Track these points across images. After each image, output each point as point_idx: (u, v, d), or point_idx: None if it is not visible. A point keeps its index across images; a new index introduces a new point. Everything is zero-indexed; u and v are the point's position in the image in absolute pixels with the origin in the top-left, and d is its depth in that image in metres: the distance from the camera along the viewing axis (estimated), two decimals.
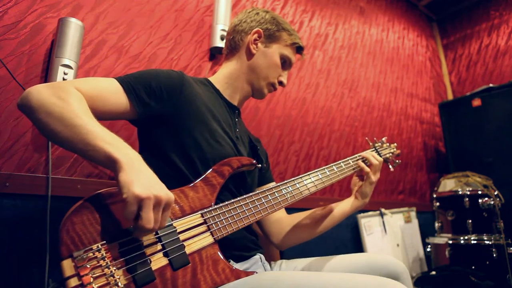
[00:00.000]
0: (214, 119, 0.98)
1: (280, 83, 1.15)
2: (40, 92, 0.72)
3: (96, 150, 0.66)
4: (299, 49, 1.18)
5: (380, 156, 1.26)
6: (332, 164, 1.10)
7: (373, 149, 1.27)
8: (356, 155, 1.17)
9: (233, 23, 1.16)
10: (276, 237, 1.14)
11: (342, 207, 1.13)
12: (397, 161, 1.33)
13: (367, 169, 1.11)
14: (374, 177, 1.11)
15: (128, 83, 0.86)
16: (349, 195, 1.17)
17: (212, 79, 1.13)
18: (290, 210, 1.17)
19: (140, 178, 0.64)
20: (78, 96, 0.75)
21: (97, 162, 0.69)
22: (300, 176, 1.02)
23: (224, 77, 1.12)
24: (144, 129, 0.96)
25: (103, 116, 0.82)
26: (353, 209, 1.13)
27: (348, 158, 1.14)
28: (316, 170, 1.07)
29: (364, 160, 1.16)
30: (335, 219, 1.12)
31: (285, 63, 1.15)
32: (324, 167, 1.08)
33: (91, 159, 0.69)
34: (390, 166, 1.32)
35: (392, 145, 1.35)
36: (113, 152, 0.65)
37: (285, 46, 1.13)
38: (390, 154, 1.32)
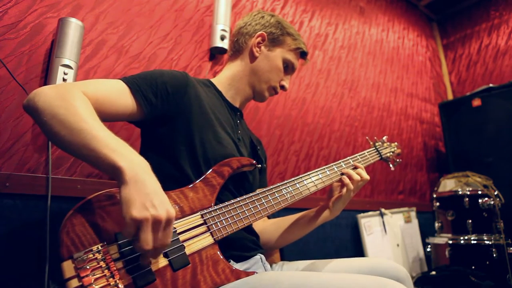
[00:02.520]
0: (217, 120, 0.98)
1: (282, 87, 1.15)
2: (46, 94, 0.71)
3: (99, 157, 0.64)
4: (303, 54, 1.18)
5: (381, 156, 1.26)
6: (332, 164, 1.10)
7: (373, 148, 1.27)
8: (356, 155, 1.17)
9: (238, 25, 1.17)
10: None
11: (314, 216, 1.11)
12: (397, 160, 1.33)
13: (351, 186, 1.04)
14: (351, 194, 1.05)
15: (135, 84, 0.86)
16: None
17: (214, 80, 1.13)
18: (290, 210, 1.17)
19: (140, 196, 0.61)
20: (84, 99, 0.73)
21: (101, 169, 0.67)
22: (300, 176, 1.02)
23: (226, 78, 1.13)
24: (148, 129, 0.96)
25: (110, 118, 0.82)
26: (322, 220, 1.09)
27: (348, 158, 1.14)
28: (316, 170, 1.06)
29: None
30: (307, 227, 1.10)
31: (288, 67, 1.15)
32: (324, 167, 1.08)
33: (95, 166, 0.68)
34: (391, 165, 1.32)
35: (392, 144, 1.35)
36: (117, 160, 0.63)
37: (288, 51, 1.13)
38: (391, 153, 1.32)
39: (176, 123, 0.91)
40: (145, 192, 0.62)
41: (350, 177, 1.05)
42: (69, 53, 1.15)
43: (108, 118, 0.81)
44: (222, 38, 1.61)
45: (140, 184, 0.62)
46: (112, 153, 0.64)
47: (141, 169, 0.65)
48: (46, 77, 1.16)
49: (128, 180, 0.62)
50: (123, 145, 0.68)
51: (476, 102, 2.54)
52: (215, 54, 1.66)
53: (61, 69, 1.13)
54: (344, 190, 1.05)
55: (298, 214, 1.14)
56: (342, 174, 1.08)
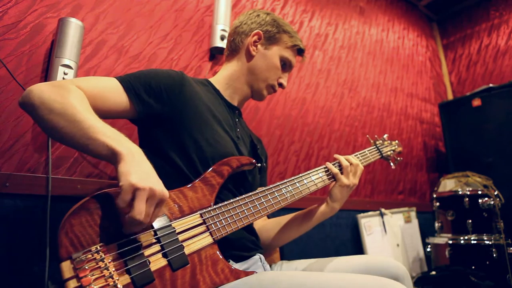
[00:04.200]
0: (214, 119, 0.98)
1: (280, 85, 1.15)
2: (41, 90, 0.73)
3: (98, 144, 0.68)
4: (300, 51, 1.17)
5: (381, 154, 1.26)
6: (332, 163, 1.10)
7: (374, 146, 1.26)
8: (357, 153, 1.17)
9: (234, 25, 1.17)
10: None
11: (313, 212, 1.10)
12: (398, 158, 1.32)
13: (335, 170, 1.06)
14: (347, 181, 1.05)
15: (128, 82, 0.87)
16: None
17: (212, 79, 1.13)
18: (289, 210, 1.17)
19: (138, 170, 0.65)
20: (79, 94, 0.76)
21: (99, 156, 0.70)
22: (300, 175, 1.02)
23: (224, 78, 1.12)
24: (144, 128, 0.96)
25: (104, 114, 0.83)
26: (321, 215, 1.08)
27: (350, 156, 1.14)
28: (316, 168, 1.06)
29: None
30: (306, 224, 1.10)
31: (285, 65, 1.14)
32: (324, 165, 1.08)
33: (93, 153, 0.70)
34: (392, 164, 1.31)
35: (393, 142, 1.35)
36: (115, 145, 0.67)
37: (285, 48, 1.12)
38: (392, 151, 1.31)
39: (172, 123, 0.91)
40: (142, 169, 0.66)
41: (339, 164, 1.08)
42: (69, 53, 1.15)
43: (102, 114, 0.81)
44: (222, 38, 1.61)
45: (137, 163, 0.66)
46: (110, 140, 0.68)
47: (138, 154, 0.69)
48: (46, 77, 1.16)
49: (126, 158, 0.66)
50: (119, 133, 0.71)
51: (476, 102, 2.54)
52: (215, 54, 1.66)
53: (61, 69, 1.14)
54: (333, 184, 1.07)
55: (296, 212, 1.14)
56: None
